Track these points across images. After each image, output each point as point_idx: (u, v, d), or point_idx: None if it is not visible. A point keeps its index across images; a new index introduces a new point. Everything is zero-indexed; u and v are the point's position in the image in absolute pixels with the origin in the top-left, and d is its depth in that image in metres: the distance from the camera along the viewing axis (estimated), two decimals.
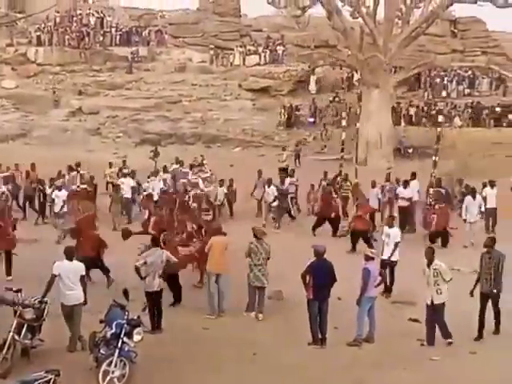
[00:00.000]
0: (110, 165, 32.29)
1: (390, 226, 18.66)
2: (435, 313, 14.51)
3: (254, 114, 47.58)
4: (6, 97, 48.37)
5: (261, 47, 52.42)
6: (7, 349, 12.15)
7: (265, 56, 52.04)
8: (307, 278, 14.52)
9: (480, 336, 14.96)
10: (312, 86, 49.92)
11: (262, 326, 15.56)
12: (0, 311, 13.27)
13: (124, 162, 32.76)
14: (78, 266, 13.44)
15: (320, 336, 14.59)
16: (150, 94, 48.72)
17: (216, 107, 47.98)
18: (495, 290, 14.92)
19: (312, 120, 47.02)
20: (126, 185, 27.78)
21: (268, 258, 16.13)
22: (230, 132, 45.96)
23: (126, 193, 27.43)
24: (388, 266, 17.93)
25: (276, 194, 26.57)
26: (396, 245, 18.11)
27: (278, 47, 52.59)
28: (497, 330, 15.22)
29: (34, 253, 20.02)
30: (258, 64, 51.59)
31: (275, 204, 26.62)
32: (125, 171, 30.13)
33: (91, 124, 46.88)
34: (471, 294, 15.07)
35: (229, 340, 14.58)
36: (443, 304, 14.53)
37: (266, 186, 27.03)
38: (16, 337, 12.34)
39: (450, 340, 14.52)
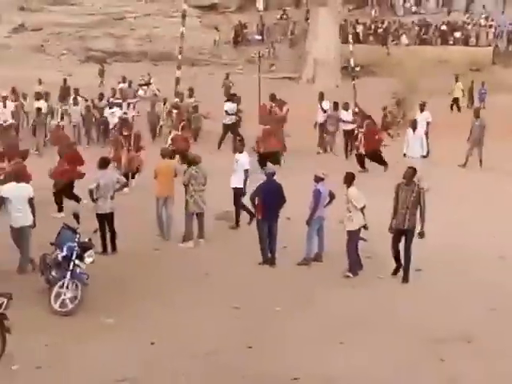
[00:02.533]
0: (40, 82, 31.33)
1: None
2: (348, 240, 14.22)
3: (201, 32, 46.87)
4: None
5: None
6: None
7: None
8: (256, 199, 14.65)
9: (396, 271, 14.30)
10: (259, 3, 49.23)
11: (213, 247, 15.67)
12: None
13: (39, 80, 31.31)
14: (26, 188, 13.33)
15: (270, 256, 14.81)
16: (94, 10, 47.65)
17: (162, 24, 47.14)
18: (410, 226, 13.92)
19: (259, 38, 46.60)
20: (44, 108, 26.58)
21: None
22: (177, 50, 45.24)
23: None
24: None
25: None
26: None
27: None
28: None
29: None
30: None
31: None
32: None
33: (35, 41, 45.82)
34: (390, 230, 14.07)
35: (180, 261, 14.72)
36: (355, 232, 14.17)
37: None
38: None
39: (348, 274, 14.10)
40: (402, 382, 10.18)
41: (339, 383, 10.02)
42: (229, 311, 12.25)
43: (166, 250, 15.37)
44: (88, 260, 12.10)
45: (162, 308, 12.21)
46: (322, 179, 14.91)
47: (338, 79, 40.64)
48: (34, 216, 13.33)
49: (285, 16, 47.33)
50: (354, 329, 11.68)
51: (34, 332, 10.75)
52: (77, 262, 11.94)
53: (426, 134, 23.50)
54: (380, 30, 46.72)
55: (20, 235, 13.29)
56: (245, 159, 17.25)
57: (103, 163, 15.15)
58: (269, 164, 15.52)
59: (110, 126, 25.59)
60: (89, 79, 36.71)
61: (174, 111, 25.82)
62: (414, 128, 21.95)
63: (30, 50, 45.27)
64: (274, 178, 14.89)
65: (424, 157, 21.48)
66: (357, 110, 25.82)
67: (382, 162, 23.30)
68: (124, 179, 15.21)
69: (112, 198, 14.79)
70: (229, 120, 26.19)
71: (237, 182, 17.07)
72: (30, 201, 13.25)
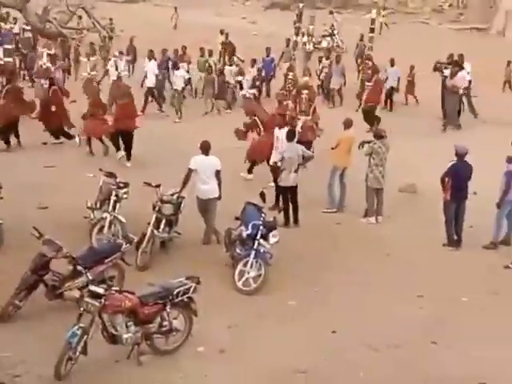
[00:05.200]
0: (222, 32, 31.28)
1: None
2: None
3: None
4: None
5: None
6: (146, 242, 12.45)
7: None
8: (446, 179, 14.11)
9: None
10: None
11: (394, 224, 15.30)
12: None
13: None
14: (214, 161, 13.43)
15: (455, 238, 14.30)
16: None
17: None
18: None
19: None
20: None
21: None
22: None
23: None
24: None
25: None
26: None
27: None
28: None
29: None
30: None
31: None
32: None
33: None
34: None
35: (361, 238, 14.48)
36: None
37: None
38: (155, 231, 12.61)
39: None
40: None
41: None
42: (412, 300, 11.90)
43: (347, 225, 15.15)
44: (272, 240, 12.07)
45: (343, 290, 12.07)
46: None
47: None
48: (220, 188, 13.43)
49: None
50: None
51: (217, 312, 10.84)
52: (261, 241, 11.95)
53: None
54: None
55: (206, 207, 13.45)
56: None
57: (291, 135, 15.03)
58: (460, 144, 14.75)
59: None
60: (273, 27, 36.59)
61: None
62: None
63: None
64: (466, 158, 14.27)
65: None
66: None
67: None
68: (310, 153, 14.99)
69: (296, 171, 14.68)
70: None
71: None
72: (217, 173, 13.34)
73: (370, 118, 22.24)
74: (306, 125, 18.53)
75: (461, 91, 23.08)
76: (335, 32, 35.64)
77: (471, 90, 24.13)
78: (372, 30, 34.89)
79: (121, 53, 25.81)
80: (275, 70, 27.66)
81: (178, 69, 24.45)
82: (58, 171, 17.35)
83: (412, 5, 43.62)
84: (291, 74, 21.95)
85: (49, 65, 24.01)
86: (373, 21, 34.02)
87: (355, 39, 32.76)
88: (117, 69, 24.62)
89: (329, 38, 35.13)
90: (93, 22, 14.81)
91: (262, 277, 11.85)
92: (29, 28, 26.54)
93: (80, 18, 21.72)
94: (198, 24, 37.51)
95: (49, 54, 24.97)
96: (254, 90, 25.20)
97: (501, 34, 38.69)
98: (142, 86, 24.74)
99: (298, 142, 15.85)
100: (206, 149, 13.35)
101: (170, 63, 25.92)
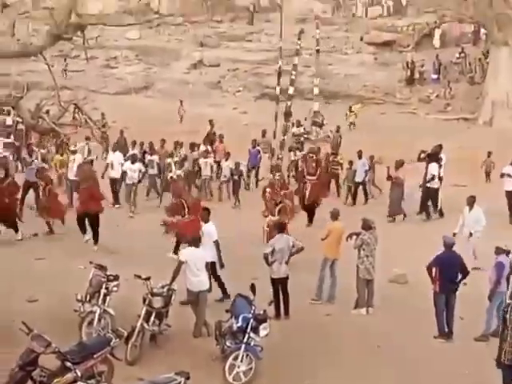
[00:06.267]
0: (210, 122, 31.70)
1: None
2: None
3: (375, 70, 46.49)
4: (129, 48, 49.17)
5: None
6: (136, 336, 12.39)
7: (388, 7, 50.62)
8: (433, 270, 14.16)
9: None
10: (436, 41, 48.16)
11: (385, 315, 15.23)
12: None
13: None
14: (204, 253, 13.49)
15: (446, 329, 14.26)
16: (270, 47, 48.26)
17: (336, 61, 47.14)
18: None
19: (435, 77, 45.54)
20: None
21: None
22: (350, 87, 45.19)
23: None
24: None
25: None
26: None
27: None
28: None
29: None
30: (381, 15, 50.29)
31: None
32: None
33: (212, 77, 47.05)
34: None
35: (351, 329, 14.41)
36: None
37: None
38: (145, 324, 12.57)
39: None
40: None
41: None
42: None
43: (337, 316, 15.08)
44: (263, 333, 12.03)
45: None
46: (506, 251, 14.24)
47: None
48: (210, 280, 13.46)
49: (462, 54, 46.03)
50: None
51: None
52: (252, 334, 11.90)
53: None
54: None
55: (197, 299, 13.43)
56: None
57: (280, 227, 15.15)
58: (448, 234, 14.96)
59: None
60: (263, 117, 37.13)
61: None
62: None
63: (207, 86, 46.47)
64: (454, 248, 14.35)
65: None
66: None
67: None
68: (300, 244, 15.06)
69: (287, 262, 14.72)
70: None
71: None
72: (207, 265, 13.38)
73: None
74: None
75: (434, 183, 23.22)
76: (324, 122, 36.19)
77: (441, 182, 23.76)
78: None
79: (87, 138, 25.69)
80: (260, 161, 28.09)
81: (133, 162, 24.24)
82: (49, 263, 17.35)
83: (400, 95, 44.36)
84: (278, 174, 20.83)
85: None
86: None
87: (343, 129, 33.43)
88: (88, 154, 24.94)
89: (318, 128, 35.70)
90: (85, 118, 15.11)
91: (253, 371, 11.77)
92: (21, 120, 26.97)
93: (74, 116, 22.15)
94: (189, 115, 38.34)
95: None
96: (181, 172, 25.12)
97: (487, 124, 39.30)
98: (102, 177, 23.92)
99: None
100: (196, 241, 13.42)
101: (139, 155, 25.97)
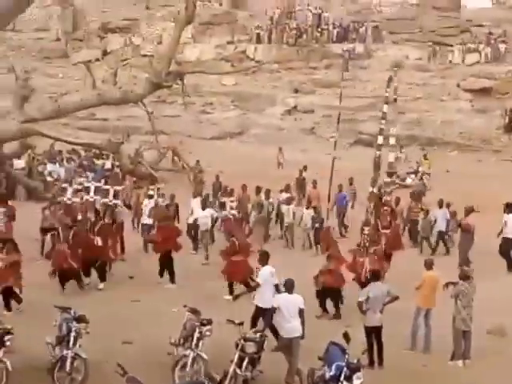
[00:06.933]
0: (305, 169, 32.05)
1: None
2: None
3: (472, 116, 45.82)
4: (225, 94, 49.89)
5: (481, 44, 50.27)
6: (229, 381, 12.38)
7: (485, 54, 50.00)
8: None
9: None
10: None
11: (483, 368, 14.75)
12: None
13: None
14: (297, 299, 13.43)
15: None
16: (365, 93, 48.25)
17: (432, 108, 46.72)
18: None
19: None
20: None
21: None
22: (447, 134, 44.64)
23: None
24: None
25: None
26: None
27: (500, 44, 50.21)
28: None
29: None
30: (478, 62, 49.69)
31: None
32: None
33: (306, 123, 47.26)
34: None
35: (445, 381, 14.07)
36: None
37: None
38: (238, 370, 12.54)
39: None
40: None
41: None
42: None
43: (433, 367, 14.71)
44: (356, 382, 11.83)
45: None
46: None
47: None
48: (303, 327, 13.35)
49: None
50: None
51: None
52: (345, 383, 11.73)
53: None
54: None
55: (290, 346, 13.33)
56: None
57: (374, 275, 15.00)
58: None
59: None
60: (357, 163, 36.96)
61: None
62: None
63: (301, 131, 46.67)
64: None
65: None
66: None
67: None
68: (395, 292, 14.81)
69: (381, 311, 14.52)
70: None
71: None
72: (301, 312, 13.30)
73: None
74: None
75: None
76: (420, 169, 35.81)
77: None
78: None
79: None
80: (347, 206, 27.84)
81: (204, 208, 24.14)
82: (143, 305, 17.57)
83: (497, 143, 43.53)
84: (367, 228, 19.99)
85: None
86: None
87: (439, 177, 32.88)
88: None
89: (413, 176, 35.35)
90: (182, 164, 15.36)
91: None
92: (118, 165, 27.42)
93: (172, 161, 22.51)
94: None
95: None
96: (235, 211, 25.33)
97: None
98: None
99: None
100: (289, 287, 13.39)
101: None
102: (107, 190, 24.44)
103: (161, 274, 19.85)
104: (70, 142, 13.77)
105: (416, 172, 35.74)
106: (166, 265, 19.70)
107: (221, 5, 57.21)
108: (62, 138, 12.49)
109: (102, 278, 19.44)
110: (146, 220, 24.13)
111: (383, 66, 50.35)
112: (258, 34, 53.68)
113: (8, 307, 16.67)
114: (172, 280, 19.70)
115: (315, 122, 47.24)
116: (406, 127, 45.19)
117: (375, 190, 25.15)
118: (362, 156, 37.84)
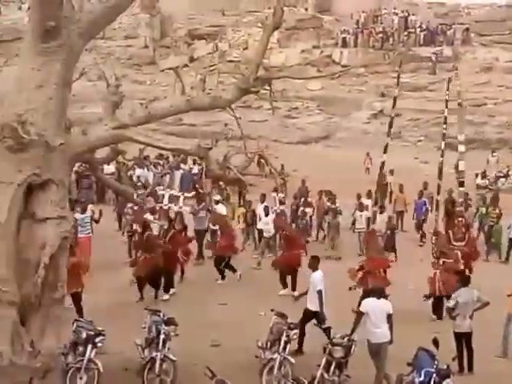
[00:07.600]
0: (392, 173, 31.54)
1: None
2: None
3: None
4: (311, 98, 49.85)
5: None
6: None
7: None
8: None
9: None
10: None
11: None
12: None
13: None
14: (386, 304, 13.33)
15: None
16: (453, 97, 47.41)
17: None
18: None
19: None
20: None
21: None
22: None
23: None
24: None
25: None
26: None
27: None
28: None
29: None
30: None
31: None
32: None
33: (393, 127, 46.80)
34: None
35: None
36: None
37: None
38: (325, 374, 12.53)
39: None
40: None
41: None
42: None
43: None
44: None
45: None
46: None
47: None
48: (391, 332, 13.25)
49: None
50: None
51: None
52: None
53: None
54: None
55: (378, 351, 13.25)
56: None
57: (464, 280, 14.77)
58: None
59: None
60: (445, 167, 36.44)
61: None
62: None
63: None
64: None
65: None
66: None
67: None
68: (485, 298, 14.55)
69: (471, 317, 14.29)
70: None
71: None
72: (389, 317, 13.20)
73: None
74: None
75: None
76: (510, 173, 35.14)
77: None
78: None
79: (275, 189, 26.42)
80: (427, 213, 27.31)
81: (266, 215, 23.70)
82: (230, 308, 17.72)
83: None
84: (435, 238, 19.88)
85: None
86: None
87: None
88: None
89: (503, 179, 34.72)
90: (270, 169, 15.37)
91: None
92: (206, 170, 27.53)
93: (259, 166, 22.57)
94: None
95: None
96: (283, 207, 26.24)
97: None
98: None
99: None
100: (378, 292, 13.32)
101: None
102: (178, 197, 24.85)
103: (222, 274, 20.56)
104: (160, 148, 13.97)
105: (506, 175, 35.06)
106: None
107: (306, 10, 57.26)
108: (152, 143, 12.67)
109: (168, 288, 19.14)
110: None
111: (472, 69, 49.66)
112: (344, 38, 53.53)
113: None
114: (221, 276, 20.58)
115: (402, 126, 46.74)
116: (496, 130, 44.48)
117: (439, 198, 24.78)
118: (450, 159, 37.19)
